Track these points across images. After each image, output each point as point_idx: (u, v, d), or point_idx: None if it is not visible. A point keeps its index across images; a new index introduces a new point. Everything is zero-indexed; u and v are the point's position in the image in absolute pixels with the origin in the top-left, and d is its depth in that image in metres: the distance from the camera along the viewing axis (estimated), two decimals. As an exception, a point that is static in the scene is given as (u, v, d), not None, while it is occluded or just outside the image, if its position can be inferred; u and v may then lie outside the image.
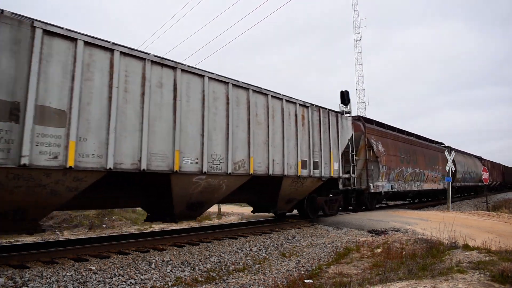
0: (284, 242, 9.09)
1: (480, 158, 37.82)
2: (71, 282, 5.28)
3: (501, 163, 50.11)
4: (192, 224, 14.07)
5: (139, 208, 10.24)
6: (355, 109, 52.95)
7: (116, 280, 5.53)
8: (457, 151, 27.55)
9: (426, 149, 23.38)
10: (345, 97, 14.51)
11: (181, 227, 11.84)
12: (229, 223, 13.40)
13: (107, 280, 5.50)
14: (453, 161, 20.64)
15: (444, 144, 28.29)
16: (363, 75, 40.92)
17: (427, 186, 22.21)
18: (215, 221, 15.36)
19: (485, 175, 24.94)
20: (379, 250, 8.28)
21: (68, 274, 5.55)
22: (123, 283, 5.48)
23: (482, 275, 5.17)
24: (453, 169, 21.22)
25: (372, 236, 10.51)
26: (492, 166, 40.19)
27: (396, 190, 18.03)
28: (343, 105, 14.57)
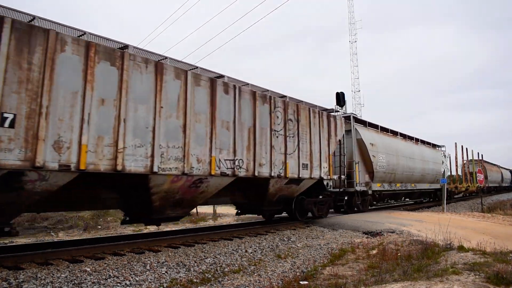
0: (279, 244, 9.08)
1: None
2: (66, 283, 5.25)
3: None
4: (188, 225, 14.04)
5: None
6: (350, 111, 52.60)
7: (111, 282, 5.50)
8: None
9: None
10: (340, 99, 14.55)
11: (176, 229, 11.81)
12: (225, 224, 13.38)
13: (102, 281, 5.47)
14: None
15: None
16: (359, 76, 41.04)
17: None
18: (210, 222, 15.32)
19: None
20: (374, 252, 8.30)
21: (62, 275, 5.51)
22: (118, 284, 5.45)
23: (477, 276, 5.19)
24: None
25: (367, 238, 10.53)
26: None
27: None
28: (338, 106, 14.61)
